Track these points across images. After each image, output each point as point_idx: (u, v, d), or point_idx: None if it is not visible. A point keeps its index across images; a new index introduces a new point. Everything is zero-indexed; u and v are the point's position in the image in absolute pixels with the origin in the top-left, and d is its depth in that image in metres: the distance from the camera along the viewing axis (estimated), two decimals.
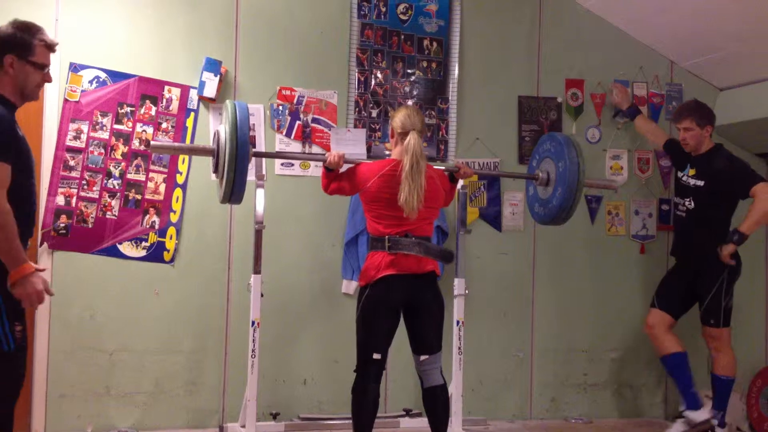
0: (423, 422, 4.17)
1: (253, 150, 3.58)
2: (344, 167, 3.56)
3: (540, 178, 3.99)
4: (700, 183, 4.23)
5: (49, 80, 2.97)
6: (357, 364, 3.43)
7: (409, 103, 4.52)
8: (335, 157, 3.50)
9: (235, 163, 3.31)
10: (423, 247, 3.37)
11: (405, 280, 3.37)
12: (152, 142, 3.62)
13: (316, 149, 4.38)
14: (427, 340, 3.45)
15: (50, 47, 2.90)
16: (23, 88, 2.84)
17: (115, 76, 4.09)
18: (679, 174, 4.39)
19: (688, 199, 4.28)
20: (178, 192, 4.18)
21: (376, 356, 3.38)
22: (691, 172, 4.29)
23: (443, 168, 3.79)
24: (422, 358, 3.45)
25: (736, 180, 4.13)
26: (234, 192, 3.39)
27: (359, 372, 3.42)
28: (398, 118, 3.49)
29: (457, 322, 3.93)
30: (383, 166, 3.44)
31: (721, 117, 4.85)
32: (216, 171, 3.52)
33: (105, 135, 4.07)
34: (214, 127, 4.22)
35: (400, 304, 3.43)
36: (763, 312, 5.04)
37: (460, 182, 3.87)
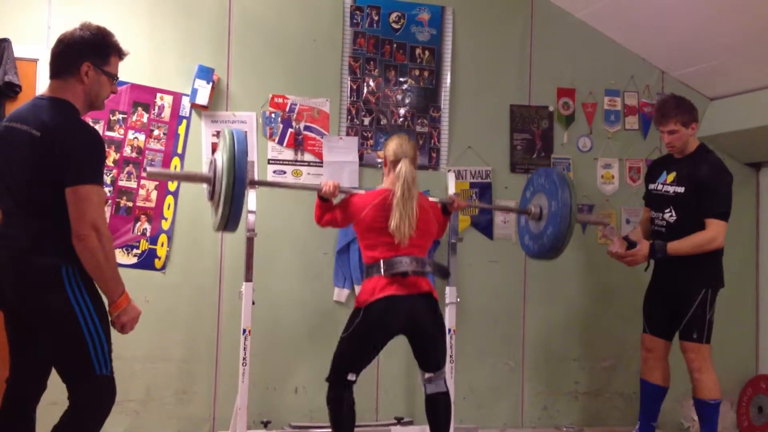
0: (414, 430, 4.18)
1: (251, 179, 3.55)
2: (339, 197, 3.59)
3: (533, 212, 3.98)
4: (681, 189, 3.85)
5: (115, 91, 2.87)
6: (330, 375, 3.45)
7: (401, 111, 4.53)
8: (330, 186, 3.53)
9: (233, 194, 3.29)
10: (419, 263, 3.36)
11: (403, 300, 3.34)
12: (149, 169, 3.55)
13: (308, 157, 4.38)
14: (432, 360, 3.47)
15: (122, 57, 2.81)
16: (95, 98, 2.75)
17: None
18: (651, 186, 4.05)
19: (667, 211, 3.90)
20: (169, 199, 4.17)
21: (351, 377, 3.41)
22: (670, 177, 3.93)
23: (437, 200, 3.80)
24: (428, 375, 3.48)
25: (709, 195, 3.76)
26: (229, 222, 3.39)
27: (333, 384, 3.44)
28: (391, 147, 3.53)
29: (449, 330, 3.93)
30: (376, 196, 3.47)
31: (712, 127, 4.89)
32: (211, 199, 3.50)
33: None
34: (206, 135, 4.22)
35: (397, 328, 3.41)
36: (753, 321, 5.05)
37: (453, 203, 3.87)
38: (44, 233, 2.59)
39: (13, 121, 2.66)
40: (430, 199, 3.74)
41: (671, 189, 3.91)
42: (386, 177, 3.57)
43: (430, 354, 3.45)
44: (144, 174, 4.11)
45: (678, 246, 3.77)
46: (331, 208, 3.57)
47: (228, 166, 3.28)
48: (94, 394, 2.67)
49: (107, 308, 2.68)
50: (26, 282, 2.59)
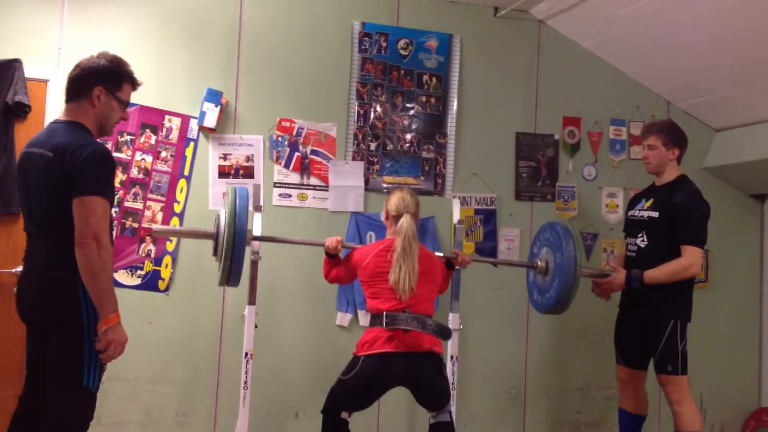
0: None
1: (253, 234, 3.62)
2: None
3: (539, 266, 3.97)
4: (654, 214, 3.80)
5: (126, 118, 2.99)
6: (324, 409, 3.45)
7: (408, 137, 4.55)
8: (334, 241, 3.59)
9: (232, 252, 3.37)
10: (420, 322, 3.34)
11: (401, 359, 3.32)
12: (155, 227, 3.66)
13: (314, 180, 4.40)
14: (434, 405, 3.44)
15: (135, 86, 2.92)
16: (105, 122, 2.84)
17: None
18: (629, 213, 4.02)
19: (640, 236, 3.85)
20: (175, 221, 4.18)
21: (345, 416, 3.41)
22: (647, 204, 3.89)
23: (440, 255, 3.79)
24: (431, 414, 3.46)
25: (684, 222, 3.71)
26: (231, 276, 3.45)
27: (326, 419, 3.44)
28: (393, 201, 3.55)
29: (451, 358, 3.92)
30: (378, 245, 3.53)
31: (717, 158, 4.90)
32: (215, 254, 3.57)
33: None
34: (213, 157, 4.25)
35: (390, 385, 3.41)
36: (756, 353, 5.03)
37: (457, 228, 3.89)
38: (61, 249, 2.67)
39: (31, 147, 2.79)
40: (438, 254, 3.75)
41: (646, 214, 3.86)
42: (388, 229, 3.61)
43: (430, 402, 3.44)
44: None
45: (655, 275, 3.70)
46: (337, 263, 3.64)
47: (229, 225, 3.36)
48: (75, 403, 2.72)
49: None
50: (43, 294, 2.71)
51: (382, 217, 3.70)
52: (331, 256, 3.64)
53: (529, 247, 4.25)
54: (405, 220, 3.44)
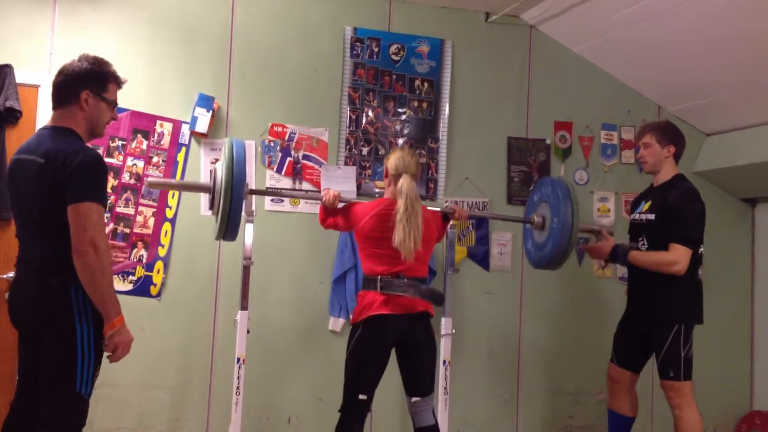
0: None
1: (249, 188, 3.60)
2: (340, 205, 3.60)
3: (535, 222, 3.99)
4: (652, 216, 3.76)
5: (116, 118, 2.97)
6: (343, 404, 3.42)
7: (400, 142, 4.55)
8: (331, 196, 3.54)
9: (231, 200, 3.33)
10: (416, 289, 3.37)
11: (397, 320, 3.36)
12: (150, 179, 3.62)
13: (306, 186, 4.40)
14: (420, 382, 3.44)
15: (120, 84, 2.91)
16: (95, 125, 2.83)
17: None
18: (631, 216, 3.97)
19: (641, 240, 3.81)
20: (167, 226, 4.18)
21: (363, 397, 3.37)
22: (646, 206, 3.83)
23: (438, 209, 3.80)
24: (414, 399, 3.45)
25: (675, 220, 3.65)
26: (228, 229, 3.42)
27: (344, 412, 3.40)
28: (392, 160, 3.51)
29: (444, 362, 3.91)
30: (376, 205, 3.48)
31: (708, 162, 4.92)
32: (212, 208, 3.55)
33: None
34: (205, 162, 4.24)
35: (391, 344, 3.42)
36: (747, 356, 5.05)
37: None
38: (53, 255, 2.68)
39: (21, 153, 2.79)
40: (432, 209, 3.73)
41: (644, 217, 3.82)
42: (386, 188, 3.57)
43: (417, 376, 3.44)
44: (142, 201, 4.13)
45: (639, 257, 3.73)
46: (334, 213, 3.59)
47: (227, 174, 3.32)
48: (67, 409, 2.70)
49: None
50: (37, 301, 2.69)
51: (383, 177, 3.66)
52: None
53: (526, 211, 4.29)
54: (404, 181, 3.40)
